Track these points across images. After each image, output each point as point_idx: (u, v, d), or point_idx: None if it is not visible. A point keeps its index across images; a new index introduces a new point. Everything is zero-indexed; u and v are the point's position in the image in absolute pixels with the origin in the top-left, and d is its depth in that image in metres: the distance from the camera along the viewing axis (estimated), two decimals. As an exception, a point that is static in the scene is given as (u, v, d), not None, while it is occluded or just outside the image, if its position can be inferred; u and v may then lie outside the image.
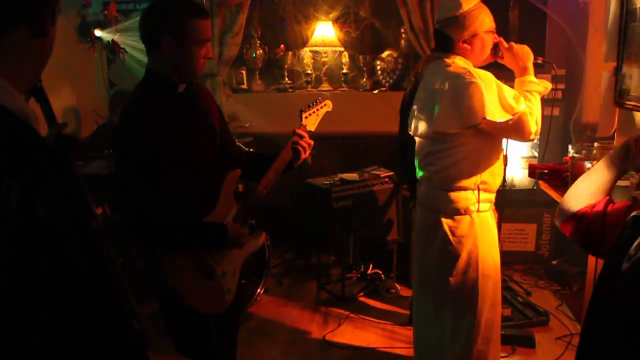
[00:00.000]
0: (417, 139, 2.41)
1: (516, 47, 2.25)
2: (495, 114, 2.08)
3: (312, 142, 2.28)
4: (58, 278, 0.86)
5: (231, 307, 2.18)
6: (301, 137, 2.25)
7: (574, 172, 2.28)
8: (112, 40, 4.50)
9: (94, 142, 4.09)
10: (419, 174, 2.41)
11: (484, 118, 2.06)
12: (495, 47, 2.28)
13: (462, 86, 2.10)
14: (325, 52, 5.04)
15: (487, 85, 2.09)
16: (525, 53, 2.25)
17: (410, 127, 2.42)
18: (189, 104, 2.10)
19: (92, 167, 3.69)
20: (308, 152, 2.27)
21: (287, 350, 3.44)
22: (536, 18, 4.35)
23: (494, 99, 2.09)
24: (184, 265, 2.04)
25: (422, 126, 2.30)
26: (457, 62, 2.20)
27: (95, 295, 0.92)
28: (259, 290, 3.94)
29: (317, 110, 2.41)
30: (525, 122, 2.11)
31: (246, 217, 2.20)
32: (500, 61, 2.32)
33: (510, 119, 2.10)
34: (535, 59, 2.28)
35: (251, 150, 4.09)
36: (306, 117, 2.36)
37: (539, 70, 2.35)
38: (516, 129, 2.13)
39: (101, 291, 0.93)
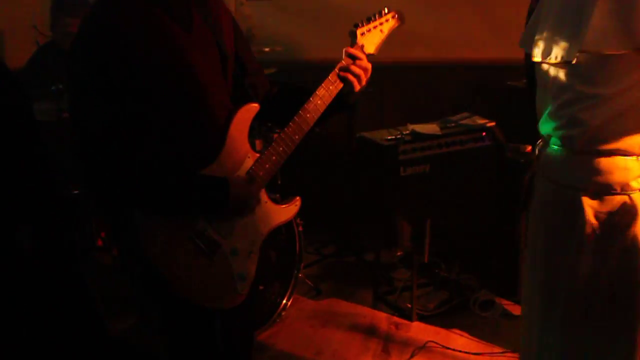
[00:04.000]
0: (547, 71, 2.33)
1: None
2: None
3: (369, 66, 2.32)
4: None
5: (244, 305, 2.25)
6: (354, 58, 2.29)
7: None
8: None
9: (33, 72, 4.18)
10: (547, 128, 2.36)
11: None
12: None
13: None
14: None
15: None
16: None
17: (535, 49, 2.35)
18: (183, 11, 2.18)
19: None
20: (364, 82, 2.32)
21: (328, 394, 3.47)
22: None
23: None
24: (175, 236, 2.12)
25: (559, 47, 2.21)
26: None
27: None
28: (284, 302, 3.94)
29: (381, 24, 2.46)
30: None
31: (270, 176, 2.31)
32: None
33: None
34: None
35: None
36: (362, 34, 2.40)
37: None
38: None
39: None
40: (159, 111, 2.09)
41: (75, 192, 3.77)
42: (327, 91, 2.29)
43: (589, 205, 2.20)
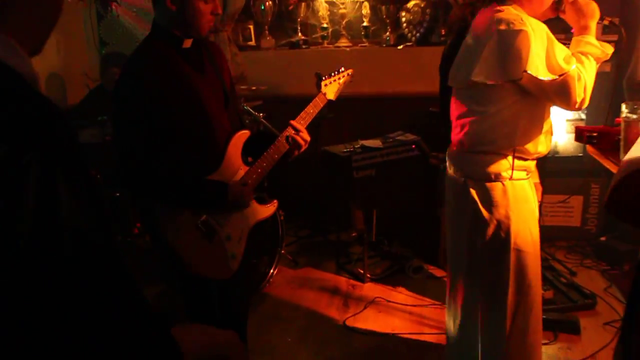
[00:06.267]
0: (454, 94, 2.41)
1: (581, 1, 2.21)
2: (539, 69, 2.05)
3: (308, 139, 2.36)
4: (78, 259, 0.89)
5: (237, 278, 2.27)
6: (296, 131, 2.33)
7: (627, 135, 2.22)
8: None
9: (85, 108, 4.11)
10: (451, 135, 2.43)
11: (525, 71, 2.04)
12: (558, 0, 2.25)
13: (509, 33, 2.08)
14: (343, 3, 4.98)
15: (537, 37, 2.07)
16: (590, 10, 2.20)
17: (449, 77, 2.42)
18: (197, 59, 2.20)
19: (84, 135, 3.70)
20: (303, 148, 2.36)
21: (303, 336, 3.48)
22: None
23: (541, 54, 2.06)
24: (185, 225, 2.15)
25: (460, 75, 2.30)
26: (511, 10, 2.17)
27: (110, 274, 0.96)
28: (271, 271, 3.97)
29: (339, 79, 2.54)
30: (571, 87, 2.06)
31: (257, 183, 2.31)
32: (562, 16, 2.28)
33: (555, 79, 2.07)
34: (601, 18, 2.24)
35: (261, 115, 4.11)
36: (325, 85, 2.48)
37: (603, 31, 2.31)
38: (560, 91, 2.09)
39: (115, 270, 0.97)
40: (177, 135, 2.12)
41: (117, 194, 3.77)
42: (276, 150, 2.31)
43: (473, 189, 2.30)
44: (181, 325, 1.12)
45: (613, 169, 2.34)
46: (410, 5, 4.84)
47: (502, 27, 2.10)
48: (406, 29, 4.89)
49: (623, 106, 2.29)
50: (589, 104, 2.15)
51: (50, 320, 0.87)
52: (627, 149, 2.16)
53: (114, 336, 0.93)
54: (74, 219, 0.88)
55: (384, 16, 4.90)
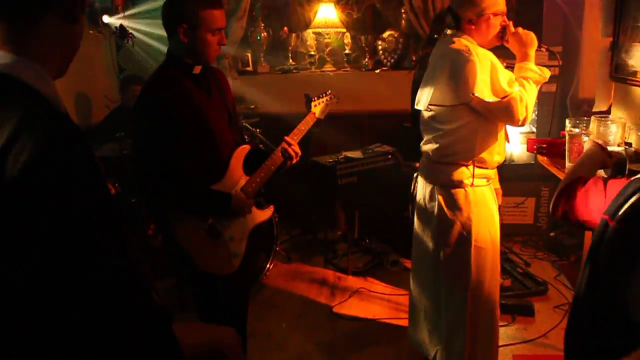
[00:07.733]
0: (421, 114, 2.41)
1: (521, 32, 2.22)
2: (484, 92, 2.07)
3: (299, 152, 2.37)
4: (91, 255, 0.88)
5: (239, 273, 2.26)
6: (289, 144, 2.34)
7: (571, 146, 2.28)
8: (120, 25, 4.46)
9: (106, 126, 4.10)
10: (422, 147, 2.43)
11: (473, 94, 2.06)
12: (503, 30, 2.24)
13: (459, 63, 2.10)
14: (327, 34, 5.00)
15: (483, 65, 2.08)
16: (530, 39, 2.21)
17: (416, 100, 2.44)
18: (205, 83, 2.20)
19: (104, 149, 3.69)
20: (295, 160, 2.37)
21: (295, 322, 3.47)
22: (533, -5, 4.29)
23: (486, 79, 2.08)
24: (194, 228, 2.15)
25: (423, 99, 2.32)
26: (462, 41, 2.18)
27: (119, 270, 0.93)
28: (268, 265, 3.95)
29: (326, 100, 2.55)
30: (514, 107, 2.08)
31: (256, 191, 2.29)
32: (505, 44, 2.29)
33: (499, 101, 2.08)
34: (539, 46, 2.25)
35: (258, 130, 4.10)
36: (315, 105, 2.49)
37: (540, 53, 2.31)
38: (505, 111, 2.11)
39: (119, 264, 0.94)
40: (188, 148, 2.11)
41: (133, 200, 3.76)
42: (273, 160, 2.32)
43: (440, 194, 2.31)
44: (181, 323, 1.09)
45: (559, 174, 2.36)
46: (385, 35, 4.88)
47: (454, 58, 2.12)
48: (382, 56, 4.92)
49: (567, 121, 2.35)
50: (539, 119, 2.18)
51: (61, 309, 0.86)
52: (571, 157, 2.26)
53: (118, 330, 0.91)
54: (86, 219, 0.87)
55: (363, 45, 4.92)
